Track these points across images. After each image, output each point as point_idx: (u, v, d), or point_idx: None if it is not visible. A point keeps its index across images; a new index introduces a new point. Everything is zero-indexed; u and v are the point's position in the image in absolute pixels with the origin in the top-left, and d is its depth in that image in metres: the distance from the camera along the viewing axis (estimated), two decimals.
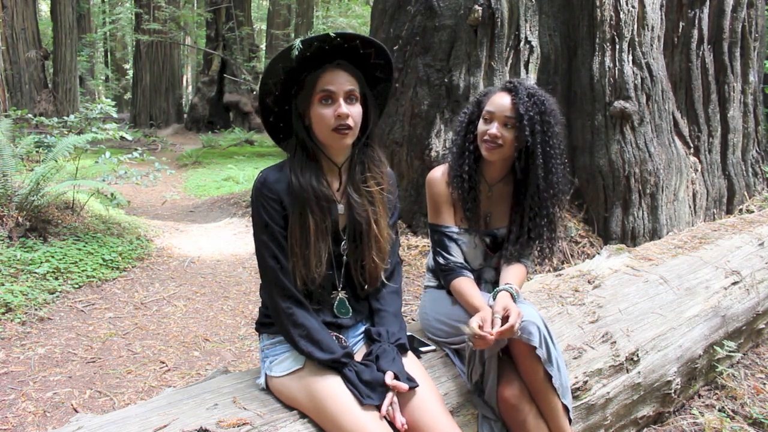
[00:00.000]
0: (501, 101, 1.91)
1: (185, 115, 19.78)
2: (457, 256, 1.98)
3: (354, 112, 1.58)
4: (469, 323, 1.69)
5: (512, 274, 1.94)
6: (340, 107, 1.55)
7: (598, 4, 4.63)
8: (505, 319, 1.67)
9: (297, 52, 1.55)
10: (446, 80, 4.89)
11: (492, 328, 1.66)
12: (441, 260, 1.99)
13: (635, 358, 2.23)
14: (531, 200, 1.94)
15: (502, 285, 1.85)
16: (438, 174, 2.04)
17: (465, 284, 1.91)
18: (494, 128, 1.89)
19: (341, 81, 1.57)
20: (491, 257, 2.05)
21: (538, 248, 2.00)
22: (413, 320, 3.44)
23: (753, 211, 5.01)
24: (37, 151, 6.14)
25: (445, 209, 2.01)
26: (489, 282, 2.06)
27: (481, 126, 1.94)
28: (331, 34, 1.56)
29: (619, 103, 4.59)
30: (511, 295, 1.81)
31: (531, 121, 1.87)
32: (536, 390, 1.74)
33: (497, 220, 2.03)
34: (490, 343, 1.65)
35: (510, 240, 1.98)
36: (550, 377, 1.70)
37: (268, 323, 1.69)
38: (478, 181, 1.99)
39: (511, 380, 1.76)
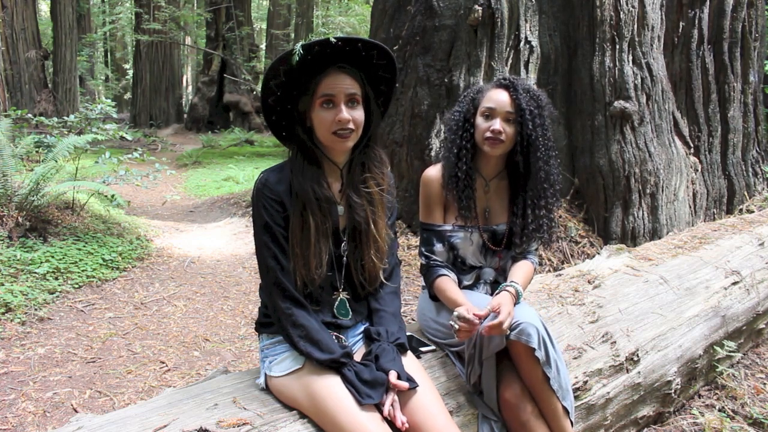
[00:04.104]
0: (500, 97, 1.94)
1: (185, 115, 19.79)
2: (439, 255, 2.01)
3: (355, 115, 1.58)
4: (457, 310, 1.72)
5: (519, 272, 1.98)
6: (341, 112, 1.55)
7: (598, 4, 4.63)
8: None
9: (298, 57, 1.54)
10: (446, 80, 4.89)
11: (482, 319, 1.69)
12: (423, 260, 2.03)
13: (635, 358, 2.23)
14: (532, 192, 1.97)
15: (508, 282, 1.88)
16: (432, 173, 2.06)
17: (446, 283, 1.95)
18: (497, 124, 1.92)
19: (343, 85, 1.56)
20: (492, 256, 2.05)
21: (540, 239, 2.03)
22: (413, 320, 3.44)
23: (753, 211, 5.00)
24: (37, 151, 6.13)
25: (436, 208, 2.04)
26: (488, 282, 2.07)
27: (481, 123, 1.96)
28: (332, 39, 1.55)
29: (619, 103, 4.59)
30: (516, 292, 1.83)
31: (532, 115, 1.91)
32: (536, 391, 1.75)
33: (496, 215, 2.05)
34: (474, 330, 1.68)
35: (515, 234, 2.00)
36: (548, 378, 1.71)
37: (268, 323, 1.69)
38: (474, 178, 2.01)
39: (511, 381, 1.76)
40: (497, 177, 2.06)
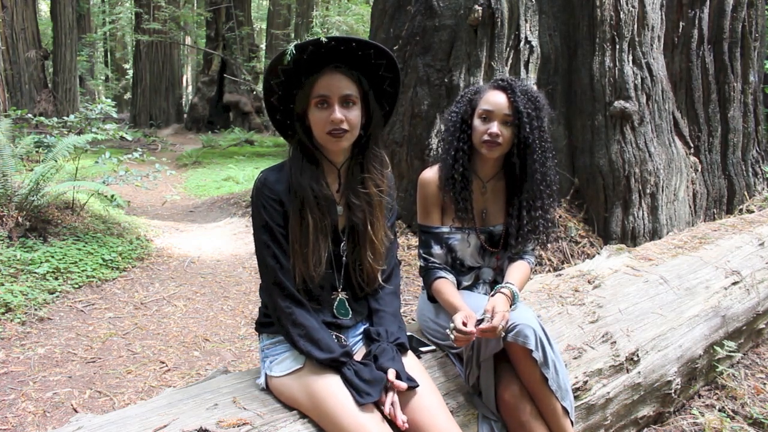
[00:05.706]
0: (497, 100, 1.93)
1: (185, 115, 19.79)
2: (437, 258, 2.01)
3: (350, 115, 1.58)
4: (454, 319, 1.71)
5: (515, 272, 1.97)
6: (334, 113, 1.55)
7: (598, 4, 4.63)
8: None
9: (290, 57, 1.55)
10: (446, 80, 4.89)
11: (478, 325, 1.68)
12: (422, 262, 2.03)
13: (635, 358, 2.23)
14: (528, 193, 1.96)
15: (503, 284, 1.87)
16: (430, 175, 2.05)
17: (444, 285, 1.94)
18: (495, 127, 1.91)
19: (337, 85, 1.57)
20: (490, 257, 2.05)
21: (536, 240, 2.02)
22: (413, 320, 3.44)
23: (753, 211, 5.00)
24: (37, 151, 6.13)
25: (434, 210, 2.04)
26: (487, 282, 2.07)
27: (479, 125, 1.95)
28: (323, 39, 1.55)
29: (619, 103, 4.59)
30: (512, 294, 1.82)
31: (529, 118, 1.90)
32: (534, 392, 1.75)
33: (493, 216, 2.05)
34: (471, 340, 1.68)
35: (510, 235, 1.99)
36: (546, 379, 1.71)
37: (268, 323, 1.69)
38: (471, 180, 2.00)
39: (510, 382, 1.76)
40: (494, 178, 2.05)
